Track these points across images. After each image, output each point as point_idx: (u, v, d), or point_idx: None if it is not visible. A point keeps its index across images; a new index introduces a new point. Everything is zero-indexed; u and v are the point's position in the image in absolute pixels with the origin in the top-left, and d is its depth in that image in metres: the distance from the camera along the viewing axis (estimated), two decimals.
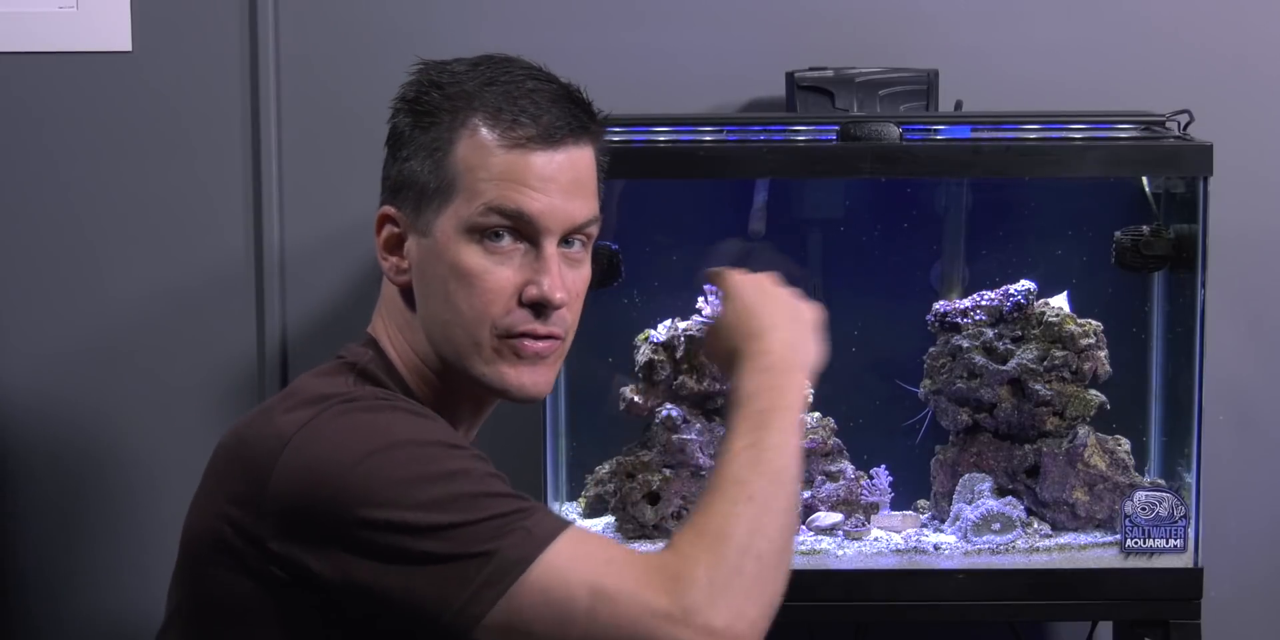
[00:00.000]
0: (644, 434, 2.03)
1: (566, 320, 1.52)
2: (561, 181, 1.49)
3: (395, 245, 1.53)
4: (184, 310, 2.31)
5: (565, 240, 1.51)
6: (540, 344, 1.50)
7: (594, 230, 1.54)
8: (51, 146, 2.30)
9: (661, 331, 2.02)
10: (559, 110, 1.49)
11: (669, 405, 2.00)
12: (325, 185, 2.28)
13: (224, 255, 2.30)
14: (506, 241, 1.48)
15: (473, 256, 1.48)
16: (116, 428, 2.33)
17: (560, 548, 1.37)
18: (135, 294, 2.31)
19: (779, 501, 1.42)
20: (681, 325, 2.01)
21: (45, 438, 2.33)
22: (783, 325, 1.57)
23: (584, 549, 1.38)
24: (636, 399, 2.02)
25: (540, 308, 1.49)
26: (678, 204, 2.11)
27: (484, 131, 1.48)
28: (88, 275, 2.31)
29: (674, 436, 1.99)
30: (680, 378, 2.00)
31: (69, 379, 2.32)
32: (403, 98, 1.52)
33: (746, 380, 1.52)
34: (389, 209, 1.52)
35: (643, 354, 2.01)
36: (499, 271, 1.49)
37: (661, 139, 2.01)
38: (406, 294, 1.53)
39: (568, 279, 1.51)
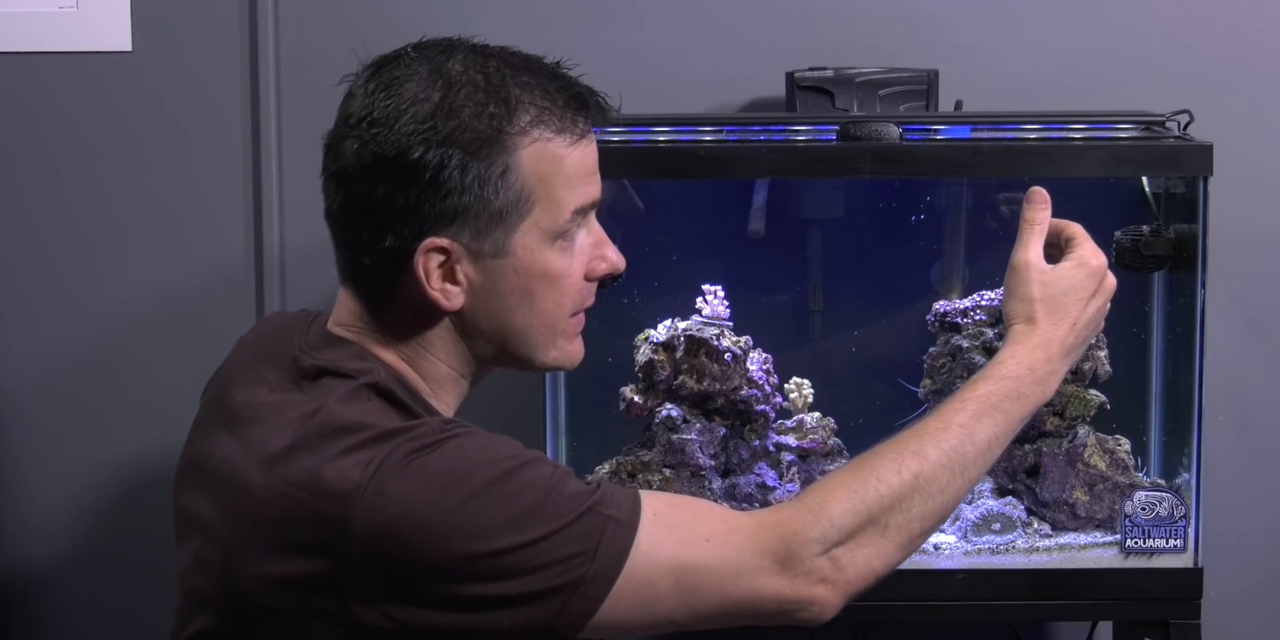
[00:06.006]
0: (644, 434, 2.03)
1: None
2: (597, 155, 1.54)
3: (447, 274, 1.49)
4: (184, 310, 2.31)
5: None
6: (583, 316, 1.58)
7: None
8: (51, 146, 2.30)
9: (661, 331, 2.01)
10: (585, 95, 1.52)
11: (669, 405, 2.00)
12: None
13: (224, 255, 2.30)
14: (577, 229, 1.53)
15: (556, 258, 1.51)
16: (116, 428, 2.33)
17: (640, 545, 1.41)
18: (135, 294, 2.31)
19: (942, 496, 1.51)
20: (681, 325, 2.01)
21: (44, 438, 2.33)
22: (1083, 329, 1.63)
23: (664, 536, 1.43)
24: (636, 399, 2.02)
25: (604, 279, 1.56)
26: (678, 204, 2.11)
27: (547, 138, 1.48)
28: (87, 275, 2.31)
29: (674, 436, 1.99)
30: (680, 378, 2.00)
31: (68, 379, 2.32)
32: (429, 128, 1.45)
33: (1016, 359, 1.59)
34: (440, 241, 1.47)
35: (643, 354, 2.01)
36: (574, 264, 1.52)
37: (661, 139, 2.01)
38: (436, 315, 1.51)
39: None
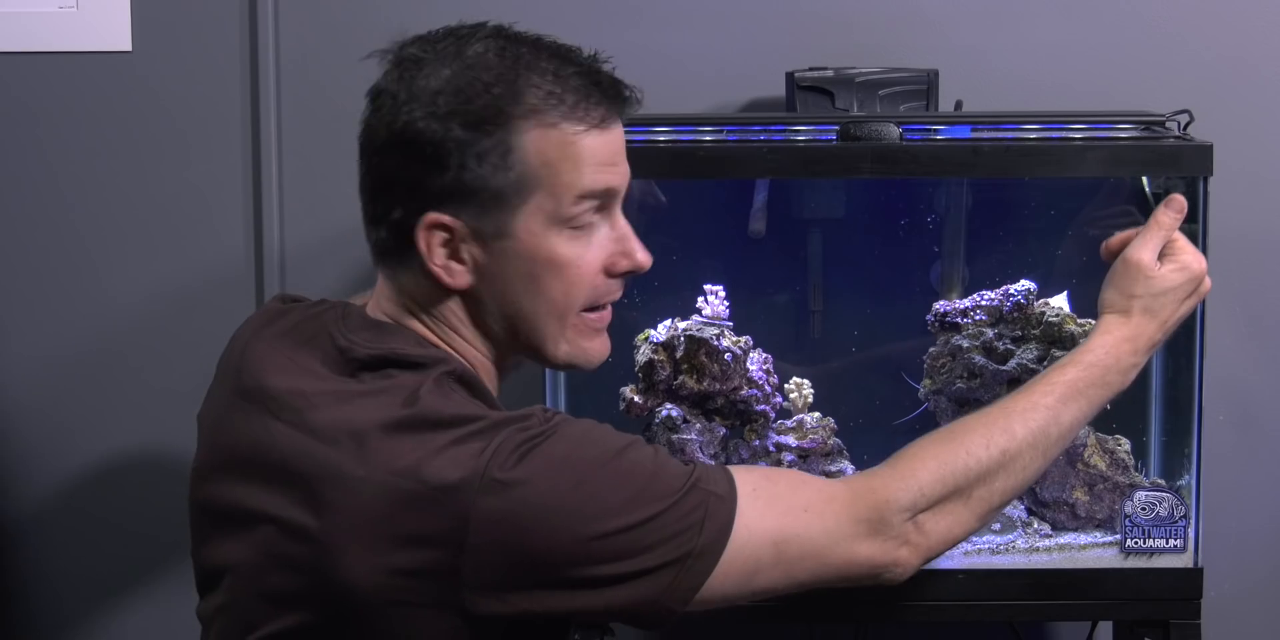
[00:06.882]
0: (644, 434, 2.03)
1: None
2: (622, 146, 1.53)
3: (452, 253, 1.50)
4: (184, 310, 2.31)
5: None
6: (607, 314, 1.57)
7: None
8: (51, 146, 2.30)
9: (661, 331, 2.01)
10: (604, 83, 1.51)
11: (669, 405, 2.00)
12: (325, 185, 2.28)
13: (224, 255, 2.30)
14: (594, 219, 1.52)
15: (564, 246, 1.50)
16: (116, 429, 2.33)
17: (743, 519, 1.46)
18: (135, 295, 2.31)
19: (1024, 473, 1.59)
20: (681, 325, 2.01)
21: (44, 439, 2.33)
22: (1172, 327, 1.71)
23: (765, 510, 1.47)
24: (636, 399, 2.02)
25: (625, 276, 1.56)
26: (678, 204, 2.11)
27: (553, 122, 1.47)
28: (87, 276, 2.31)
29: (674, 436, 1.99)
30: (680, 378, 2.00)
31: (68, 380, 2.32)
32: (434, 103, 1.47)
33: (1106, 349, 1.67)
34: (441, 217, 1.48)
35: (643, 354, 2.01)
36: (587, 255, 1.51)
37: (661, 139, 2.01)
38: (451, 293, 1.52)
39: None
